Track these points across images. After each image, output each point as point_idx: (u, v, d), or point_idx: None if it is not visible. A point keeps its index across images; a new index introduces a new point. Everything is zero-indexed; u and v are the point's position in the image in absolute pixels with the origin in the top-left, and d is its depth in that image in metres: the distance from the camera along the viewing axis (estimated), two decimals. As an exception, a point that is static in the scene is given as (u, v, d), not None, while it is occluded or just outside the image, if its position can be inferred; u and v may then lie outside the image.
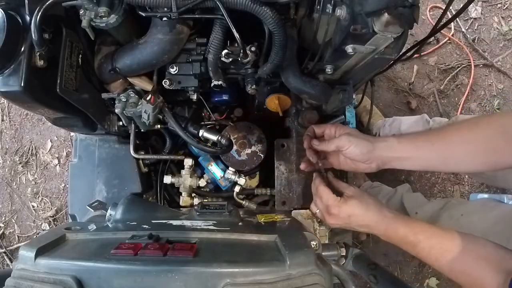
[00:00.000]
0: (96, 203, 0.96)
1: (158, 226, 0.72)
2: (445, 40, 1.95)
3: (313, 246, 0.65)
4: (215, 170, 1.18)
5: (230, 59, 0.86)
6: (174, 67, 0.92)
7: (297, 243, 0.61)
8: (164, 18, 0.75)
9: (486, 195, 1.76)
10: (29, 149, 1.96)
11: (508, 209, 1.06)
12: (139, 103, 0.94)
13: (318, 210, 0.87)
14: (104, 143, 1.13)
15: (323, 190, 0.84)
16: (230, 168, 1.15)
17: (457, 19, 1.94)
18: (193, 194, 1.17)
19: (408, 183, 1.87)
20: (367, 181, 1.75)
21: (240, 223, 0.75)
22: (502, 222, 1.00)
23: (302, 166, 0.97)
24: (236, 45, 0.83)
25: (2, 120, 1.99)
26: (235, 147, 1.14)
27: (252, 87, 0.94)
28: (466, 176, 1.88)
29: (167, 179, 1.15)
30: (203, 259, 0.56)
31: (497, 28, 1.98)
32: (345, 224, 0.84)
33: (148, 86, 0.95)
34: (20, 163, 1.96)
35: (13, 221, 1.95)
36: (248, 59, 0.85)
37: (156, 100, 0.91)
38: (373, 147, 0.81)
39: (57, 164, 1.94)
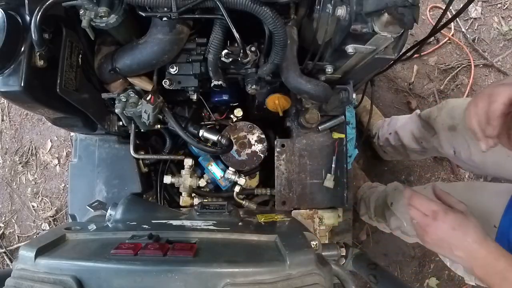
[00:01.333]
0: (96, 203, 0.96)
1: (158, 226, 0.72)
2: (445, 40, 1.95)
3: (313, 246, 0.65)
4: (215, 170, 1.18)
5: (230, 59, 0.86)
6: (174, 67, 0.92)
7: (297, 243, 0.61)
8: (164, 18, 0.75)
9: (486, 195, 1.76)
10: (29, 149, 1.96)
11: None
12: (139, 103, 0.94)
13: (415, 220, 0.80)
14: (104, 143, 1.13)
15: (424, 198, 0.77)
16: (230, 168, 1.15)
17: (457, 19, 1.94)
18: (193, 194, 1.17)
19: (407, 183, 1.87)
20: (367, 182, 1.75)
21: (240, 223, 0.75)
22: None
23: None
24: (236, 45, 0.83)
25: (2, 120, 1.98)
26: (235, 147, 1.14)
27: (252, 87, 0.94)
28: (467, 175, 1.88)
29: (167, 179, 1.15)
30: (203, 259, 0.56)
31: (497, 28, 1.98)
32: (441, 242, 0.75)
33: (148, 86, 0.95)
34: (20, 163, 1.96)
35: (13, 221, 1.95)
36: (248, 59, 0.86)
37: (156, 100, 0.91)
38: None
39: (57, 164, 1.94)
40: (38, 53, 0.75)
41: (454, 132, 1.12)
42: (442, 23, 0.84)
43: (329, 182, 1.08)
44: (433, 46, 1.95)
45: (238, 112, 1.20)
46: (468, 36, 1.95)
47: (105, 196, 1.11)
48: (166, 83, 0.93)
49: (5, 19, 0.69)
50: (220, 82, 0.91)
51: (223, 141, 1.03)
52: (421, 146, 1.44)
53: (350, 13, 0.66)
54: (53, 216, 1.92)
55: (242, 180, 1.15)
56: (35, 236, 1.93)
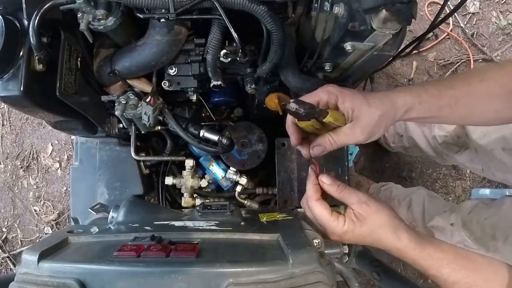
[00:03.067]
0: (98, 206, 0.96)
1: (160, 227, 0.72)
2: (443, 35, 1.94)
3: (315, 244, 0.65)
4: (216, 170, 1.18)
5: (229, 59, 0.86)
6: (173, 68, 0.92)
7: (300, 242, 0.61)
8: (162, 20, 0.75)
9: (487, 190, 1.76)
10: (30, 153, 1.96)
11: None
12: (139, 105, 0.94)
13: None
14: (104, 146, 1.13)
15: (315, 206, 0.71)
16: (231, 168, 1.15)
17: (456, 14, 1.94)
18: (195, 195, 1.17)
19: (409, 179, 1.87)
20: (373, 184, 1.74)
21: (242, 223, 0.75)
22: None
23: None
24: (234, 45, 0.83)
25: (3, 125, 1.99)
26: (236, 147, 1.14)
27: (252, 86, 0.94)
28: (468, 171, 1.88)
29: (169, 180, 1.15)
30: (206, 260, 0.56)
31: (495, 22, 1.97)
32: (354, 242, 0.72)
33: (148, 88, 0.95)
34: (21, 167, 1.96)
35: (16, 225, 1.95)
36: (247, 58, 0.85)
37: (156, 101, 0.91)
38: (390, 112, 0.66)
39: (58, 168, 1.94)
40: (37, 57, 0.75)
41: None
42: (440, 18, 0.84)
43: None
44: (432, 42, 1.95)
45: (238, 112, 1.20)
46: (467, 31, 1.95)
47: (107, 199, 1.11)
48: (165, 84, 0.93)
49: (3, 24, 0.69)
50: (219, 82, 0.91)
51: (224, 140, 1.03)
52: (440, 157, 1.44)
53: (348, 10, 0.66)
54: (55, 220, 1.92)
55: (243, 180, 1.15)
56: (37, 240, 1.93)
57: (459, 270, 0.65)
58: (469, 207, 1.26)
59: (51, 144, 1.96)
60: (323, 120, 0.64)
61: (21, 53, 0.73)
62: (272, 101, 1.05)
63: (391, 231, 0.68)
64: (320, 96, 0.68)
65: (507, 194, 1.48)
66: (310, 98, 0.69)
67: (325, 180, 0.71)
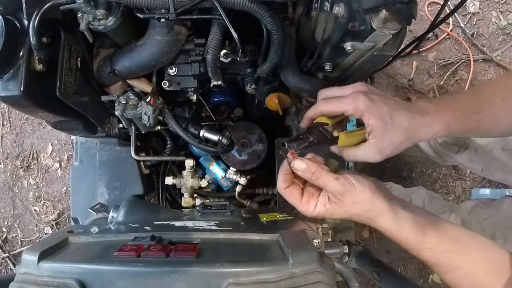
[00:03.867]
0: (98, 206, 0.96)
1: (160, 227, 0.72)
2: (443, 35, 1.95)
3: (315, 244, 0.65)
4: (216, 170, 1.18)
5: (229, 59, 0.86)
6: (173, 68, 0.92)
7: (300, 242, 0.61)
8: (162, 20, 0.75)
9: (487, 190, 1.76)
10: (30, 153, 1.96)
11: None
12: (139, 105, 0.94)
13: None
14: (104, 146, 1.13)
15: (284, 194, 0.71)
16: (231, 168, 1.15)
17: (456, 14, 1.94)
18: (195, 195, 1.17)
19: (409, 179, 1.87)
20: None
21: (242, 223, 0.75)
22: None
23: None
24: (234, 45, 0.83)
25: (3, 125, 1.99)
26: (236, 147, 1.14)
27: (252, 86, 0.94)
28: (468, 171, 1.88)
29: (169, 180, 1.15)
30: (206, 260, 0.56)
31: (495, 22, 1.97)
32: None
33: (148, 88, 0.95)
34: (21, 167, 1.96)
35: (16, 225, 1.95)
36: (247, 58, 0.85)
37: (156, 101, 0.91)
38: (413, 138, 0.65)
39: (58, 168, 1.94)
40: (37, 57, 0.75)
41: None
42: (440, 18, 0.84)
43: None
44: (432, 42, 1.95)
45: (238, 112, 1.20)
46: (467, 31, 1.95)
47: (107, 199, 1.11)
48: (165, 84, 0.93)
49: (3, 24, 0.69)
50: (219, 82, 0.91)
51: (224, 140, 1.03)
52: (440, 157, 1.45)
53: (348, 10, 0.66)
54: (55, 220, 1.92)
55: (243, 180, 1.15)
56: (37, 240, 1.93)
57: (442, 254, 0.64)
58: (469, 208, 1.26)
59: (51, 144, 1.96)
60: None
61: (21, 53, 0.73)
62: (272, 101, 1.06)
63: (368, 219, 0.68)
64: (346, 108, 0.66)
65: (507, 194, 1.48)
66: (336, 105, 0.68)
67: (298, 167, 0.68)
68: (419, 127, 0.65)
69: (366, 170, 1.87)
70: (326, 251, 0.74)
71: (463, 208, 1.28)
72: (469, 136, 0.73)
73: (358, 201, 0.67)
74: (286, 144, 0.70)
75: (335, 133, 0.69)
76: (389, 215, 0.66)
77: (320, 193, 0.70)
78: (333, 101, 0.69)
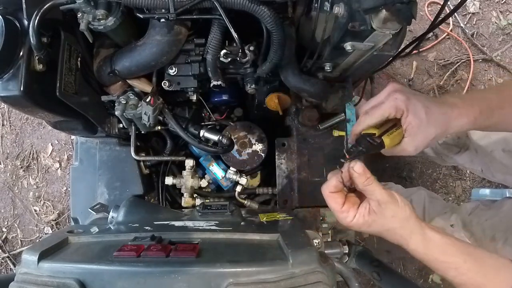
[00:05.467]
0: (98, 206, 0.96)
1: (160, 227, 0.72)
2: (443, 35, 1.94)
3: (315, 244, 0.65)
4: (216, 170, 1.18)
5: (229, 59, 0.86)
6: (173, 68, 0.92)
7: (300, 242, 0.61)
8: (162, 20, 0.75)
9: (487, 190, 1.76)
10: (30, 153, 1.96)
11: None
12: (139, 105, 0.94)
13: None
14: (104, 146, 1.13)
15: (328, 197, 0.72)
16: (231, 168, 1.15)
17: (456, 14, 1.94)
18: (195, 195, 1.17)
19: (409, 180, 1.87)
20: None
21: (242, 223, 0.75)
22: None
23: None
24: (234, 45, 0.83)
25: (3, 125, 1.99)
26: (236, 147, 1.13)
27: (252, 86, 0.94)
28: (468, 171, 1.88)
29: (169, 180, 1.15)
30: (206, 260, 0.56)
31: (495, 22, 1.97)
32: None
33: (148, 88, 0.95)
34: (21, 167, 1.96)
35: (16, 225, 1.95)
36: (247, 58, 0.85)
37: (156, 101, 0.91)
38: (444, 132, 0.70)
39: (58, 168, 1.94)
40: (37, 57, 0.75)
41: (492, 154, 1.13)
42: (440, 18, 0.84)
43: None
44: (432, 42, 1.95)
45: (238, 112, 1.20)
46: (467, 31, 1.95)
47: (107, 199, 1.11)
48: (165, 84, 0.93)
49: (3, 24, 0.69)
50: (219, 82, 0.91)
51: (224, 140, 1.03)
52: (440, 158, 1.45)
53: (348, 10, 0.66)
54: (55, 220, 1.92)
55: (243, 180, 1.15)
56: (37, 240, 1.93)
57: (466, 274, 0.67)
58: (470, 209, 1.26)
59: (51, 144, 1.96)
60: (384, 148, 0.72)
61: (21, 53, 0.73)
62: (272, 101, 1.05)
63: (399, 237, 0.70)
64: (389, 111, 0.70)
65: (507, 195, 1.48)
66: (378, 113, 0.71)
67: (357, 169, 0.69)
68: (450, 121, 0.69)
69: (366, 170, 1.87)
70: (326, 251, 0.74)
71: (464, 209, 1.28)
72: (492, 131, 0.76)
73: (398, 216, 0.68)
74: (342, 160, 0.72)
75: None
76: (419, 236, 0.69)
77: (361, 204, 0.71)
78: (375, 111, 0.72)
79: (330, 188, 0.72)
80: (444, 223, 1.29)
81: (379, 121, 0.73)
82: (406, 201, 0.70)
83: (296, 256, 0.55)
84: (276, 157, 1.10)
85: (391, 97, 0.70)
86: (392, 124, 0.75)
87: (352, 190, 0.74)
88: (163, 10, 0.74)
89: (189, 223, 0.73)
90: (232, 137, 1.12)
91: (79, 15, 0.74)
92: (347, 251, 0.96)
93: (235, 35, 0.76)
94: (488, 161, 1.16)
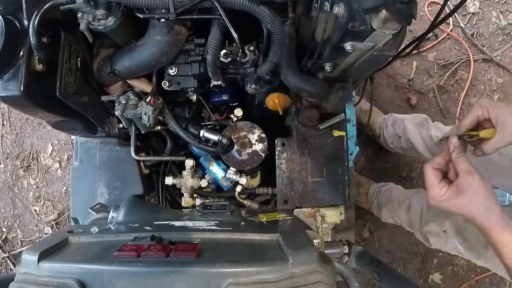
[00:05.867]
0: (98, 206, 0.96)
1: (160, 227, 0.72)
2: (443, 35, 1.94)
3: (315, 244, 0.65)
4: (216, 170, 1.18)
5: (229, 59, 0.86)
6: (173, 68, 0.92)
7: (300, 242, 0.61)
8: (162, 20, 0.75)
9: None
10: (30, 153, 1.96)
11: None
12: (139, 105, 0.94)
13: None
14: (104, 146, 1.13)
15: (429, 170, 0.80)
16: (231, 168, 1.15)
17: (456, 14, 1.94)
18: (195, 195, 1.17)
19: (408, 179, 1.87)
20: (373, 184, 1.74)
21: (242, 223, 0.75)
22: None
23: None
24: (234, 45, 0.84)
25: (3, 125, 1.99)
26: (236, 147, 1.14)
27: (252, 86, 0.94)
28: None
29: (169, 180, 1.15)
30: (206, 260, 0.56)
31: (495, 22, 1.97)
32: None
33: (148, 88, 0.95)
34: (21, 167, 1.96)
35: (16, 225, 1.95)
36: (247, 58, 0.86)
37: (156, 101, 0.91)
38: None
39: (58, 168, 1.94)
40: (37, 57, 0.75)
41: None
42: (440, 18, 0.84)
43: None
44: (432, 42, 1.95)
45: (238, 112, 1.20)
46: (467, 31, 1.95)
47: (107, 199, 1.11)
48: (165, 84, 0.93)
49: (3, 24, 0.69)
50: (219, 82, 0.91)
51: (224, 140, 1.03)
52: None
53: (348, 10, 0.66)
54: (55, 220, 1.92)
55: (243, 180, 1.15)
56: (37, 240, 1.93)
57: None
58: None
59: (51, 144, 1.96)
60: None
61: (21, 53, 0.73)
62: (272, 101, 1.06)
63: (483, 210, 0.74)
64: (477, 112, 0.81)
65: (508, 196, 1.47)
66: (470, 117, 0.83)
67: (454, 142, 0.81)
68: None
69: (366, 170, 1.87)
70: (326, 251, 0.74)
71: (460, 216, 1.28)
72: None
73: (483, 186, 0.75)
74: (441, 140, 0.87)
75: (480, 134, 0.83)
76: (499, 210, 0.74)
77: (452, 184, 0.79)
78: (467, 118, 0.84)
79: (434, 164, 0.81)
80: (438, 228, 1.30)
81: (470, 121, 0.83)
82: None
83: (296, 256, 0.55)
84: (276, 157, 1.10)
85: (477, 104, 0.82)
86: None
87: (445, 176, 0.82)
88: (163, 10, 0.74)
89: (189, 223, 0.73)
90: (232, 137, 1.12)
91: (79, 15, 0.74)
92: (347, 251, 0.96)
93: (235, 35, 0.76)
94: (486, 163, 1.16)
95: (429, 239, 1.35)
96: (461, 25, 1.95)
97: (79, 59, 0.87)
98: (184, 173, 1.13)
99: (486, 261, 1.14)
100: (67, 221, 1.92)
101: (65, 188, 1.93)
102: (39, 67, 0.76)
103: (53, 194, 1.94)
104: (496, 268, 1.14)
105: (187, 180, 1.13)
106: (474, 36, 1.95)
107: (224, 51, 0.85)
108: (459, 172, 0.77)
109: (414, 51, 1.92)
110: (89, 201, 1.09)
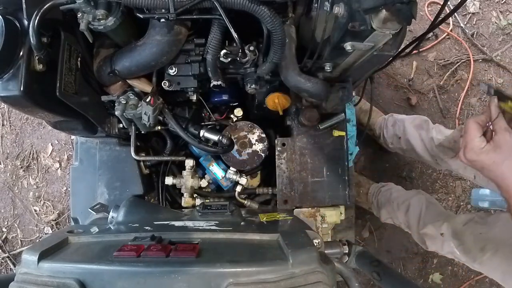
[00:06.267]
0: (98, 206, 0.96)
1: (160, 227, 0.72)
2: (443, 35, 1.94)
3: (315, 244, 0.65)
4: (216, 170, 1.18)
5: (229, 59, 0.86)
6: (173, 68, 0.92)
7: (300, 242, 0.61)
8: (162, 20, 0.75)
9: (487, 191, 1.76)
10: (30, 153, 1.96)
11: None
12: (139, 105, 0.94)
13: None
14: (104, 146, 1.13)
15: (472, 124, 0.81)
16: (231, 168, 1.15)
17: (456, 14, 1.94)
18: (195, 195, 1.17)
19: (409, 179, 1.87)
20: (373, 184, 1.74)
21: (242, 223, 0.75)
22: None
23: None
24: (234, 45, 0.83)
25: (3, 125, 1.99)
26: (236, 147, 1.14)
27: (252, 86, 0.94)
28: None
29: (169, 180, 1.15)
30: (206, 260, 0.56)
31: (495, 22, 1.97)
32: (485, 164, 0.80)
33: (148, 88, 0.95)
34: (21, 167, 1.96)
35: (16, 225, 1.95)
36: (247, 58, 0.86)
37: (156, 101, 0.91)
38: None
39: (58, 168, 1.94)
40: (37, 57, 0.75)
41: None
42: (440, 18, 0.84)
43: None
44: (432, 42, 1.95)
45: (238, 112, 1.20)
46: (467, 31, 1.95)
47: (107, 199, 1.11)
48: (165, 84, 0.93)
49: (3, 24, 0.69)
50: (219, 82, 0.91)
51: (224, 140, 1.03)
52: (435, 161, 1.45)
53: (348, 10, 0.66)
54: (55, 220, 1.92)
55: (243, 180, 1.15)
56: (37, 240, 1.93)
57: None
58: (465, 220, 1.27)
59: (51, 144, 1.96)
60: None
61: (21, 53, 0.73)
62: (272, 101, 1.05)
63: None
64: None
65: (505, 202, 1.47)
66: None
67: (496, 100, 0.81)
68: None
69: (366, 170, 1.87)
70: (326, 251, 0.74)
71: (458, 219, 1.29)
72: None
73: None
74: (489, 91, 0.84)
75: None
76: None
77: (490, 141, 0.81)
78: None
79: (478, 120, 0.82)
80: (435, 231, 1.30)
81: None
82: None
83: (296, 256, 0.55)
84: (276, 157, 1.10)
85: None
86: None
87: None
88: (163, 10, 0.74)
89: (189, 223, 0.73)
90: (232, 137, 1.12)
91: (79, 15, 0.74)
92: (347, 251, 0.96)
93: (235, 35, 0.76)
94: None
95: (426, 242, 1.36)
96: (461, 25, 1.95)
97: (79, 59, 0.87)
98: (184, 173, 1.13)
99: (481, 265, 1.14)
100: (67, 221, 1.92)
101: (65, 188, 1.94)
102: (39, 67, 0.76)
103: (53, 194, 1.94)
104: (491, 272, 1.14)
105: (187, 180, 1.13)
106: (474, 36, 1.95)
107: (224, 51, 0.85)
108: (497, 130, 0.79)
109: (414, 51, 1.92)
110: (89, 201, 1.09)
